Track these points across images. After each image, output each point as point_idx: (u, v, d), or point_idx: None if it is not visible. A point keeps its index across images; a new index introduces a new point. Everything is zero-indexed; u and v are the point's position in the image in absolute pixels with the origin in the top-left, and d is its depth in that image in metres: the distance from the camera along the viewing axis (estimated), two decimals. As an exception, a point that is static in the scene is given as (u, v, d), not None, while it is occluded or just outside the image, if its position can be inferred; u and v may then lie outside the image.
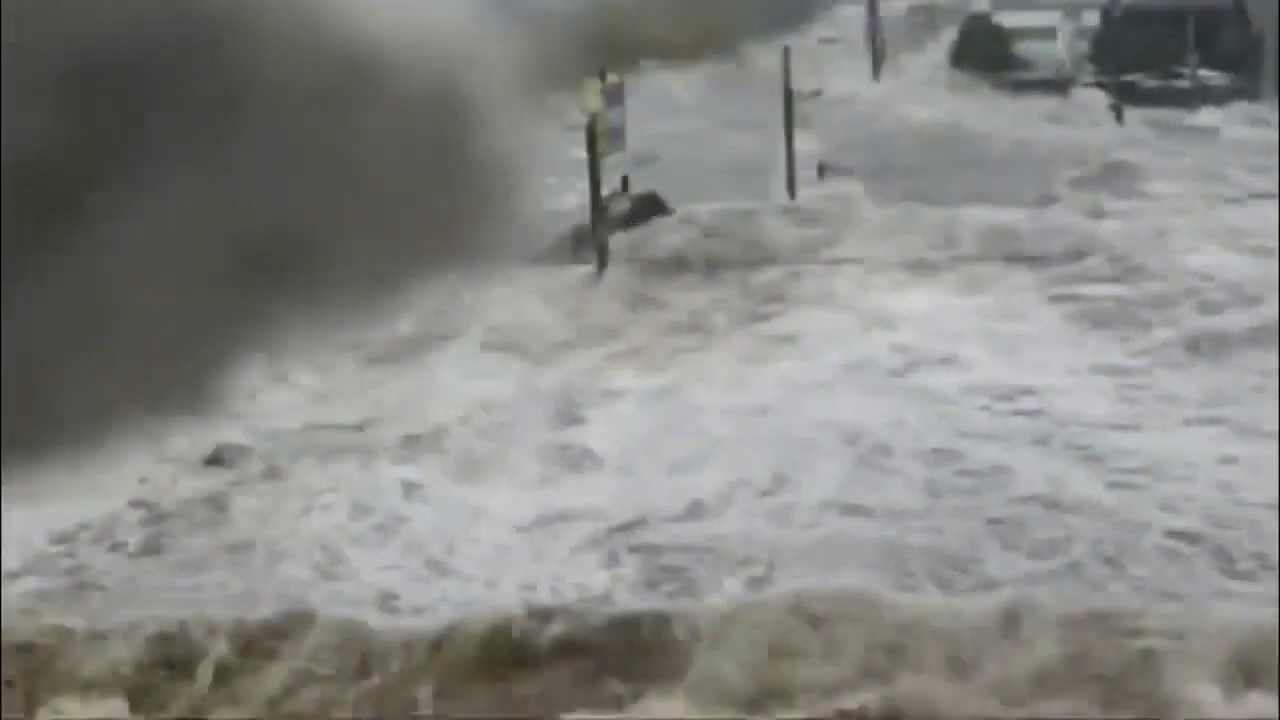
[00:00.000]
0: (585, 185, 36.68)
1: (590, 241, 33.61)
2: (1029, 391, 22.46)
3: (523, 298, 28.99)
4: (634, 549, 18.04)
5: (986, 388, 22.76)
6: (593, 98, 36.13)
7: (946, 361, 24.02)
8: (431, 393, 23.76)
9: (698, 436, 21.41)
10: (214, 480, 20.67)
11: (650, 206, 36.12)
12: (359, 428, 22.43)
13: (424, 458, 21.18)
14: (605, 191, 34.57)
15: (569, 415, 22.65)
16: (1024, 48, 57.13)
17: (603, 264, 32.88)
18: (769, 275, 30.30)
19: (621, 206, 35.93)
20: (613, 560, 17.83)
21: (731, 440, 21.15)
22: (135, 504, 19.86)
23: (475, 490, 20.03)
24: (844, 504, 18.86)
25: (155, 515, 19.63)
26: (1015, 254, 30.19)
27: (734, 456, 20.49)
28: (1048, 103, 50.40)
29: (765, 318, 27.56)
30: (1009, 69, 55.56)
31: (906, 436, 20.85)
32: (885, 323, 26.31)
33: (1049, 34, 57.74)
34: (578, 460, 20.96)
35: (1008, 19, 59.07)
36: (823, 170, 39.77)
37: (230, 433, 22.01)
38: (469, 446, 21.53)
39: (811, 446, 20.57)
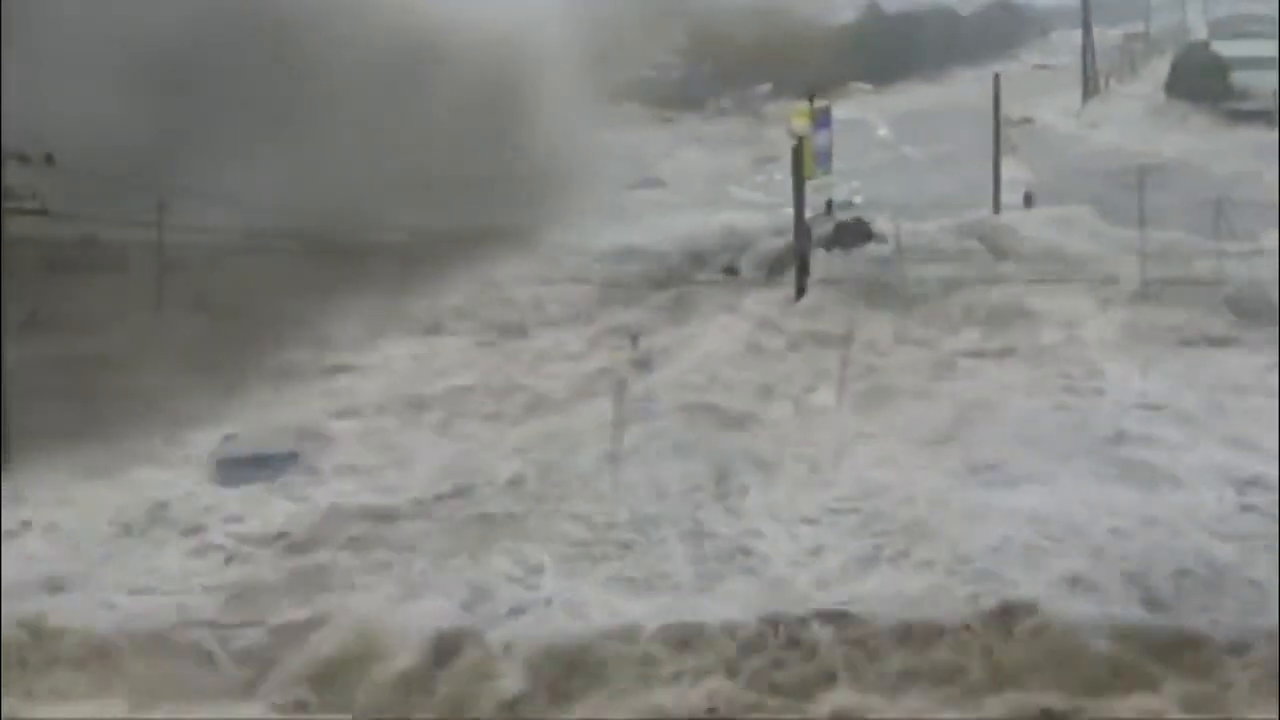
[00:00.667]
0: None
1: (792, 264, 31.80)
2: (1264, 483, 18.42)
3: (711, 334, 26.50)
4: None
5: (1214, 472, 19.03)
6: (800, 121, 34.20)
7: (1164, 439, 20.27)
8: (592, 451, 20.61)
9: (873, 529, 17.91)
10: (311, 555, 17.96)
11: (855, 230, 34.20)
12: (511, 483, 19.72)
13: (559, 533, 18.10)
14: (809, 214, 32.79)
15: (731, 487, 19.35)
16: (1241, 77, 53.45)
17: (801, 289, 30.93)
18: (969, 309, 27.61)
19: (825, 229, 34.08)
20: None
21: (910, 535, 17.61)
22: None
23: (600, 586, 16.82)
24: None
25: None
26: (1250, 307, 25.94)
27: (913, 558, 17.04)
28: (1264, 135, 46.74)
29: (961, 373, 24.11)
30: (1225, 99, 51.98)
31: (1121, 538, 17.19)
32: (1092, 388, 22.74)
33: (1268, 64, 53.93)
34: (727, 556, 17.44)
35: (1226, 48, 55.40)
36: (1030, 199, 37.26)
37: (354, 495, 19.56)
38: (610, 524, 18.38)
39: (1005, 546, 17.03)
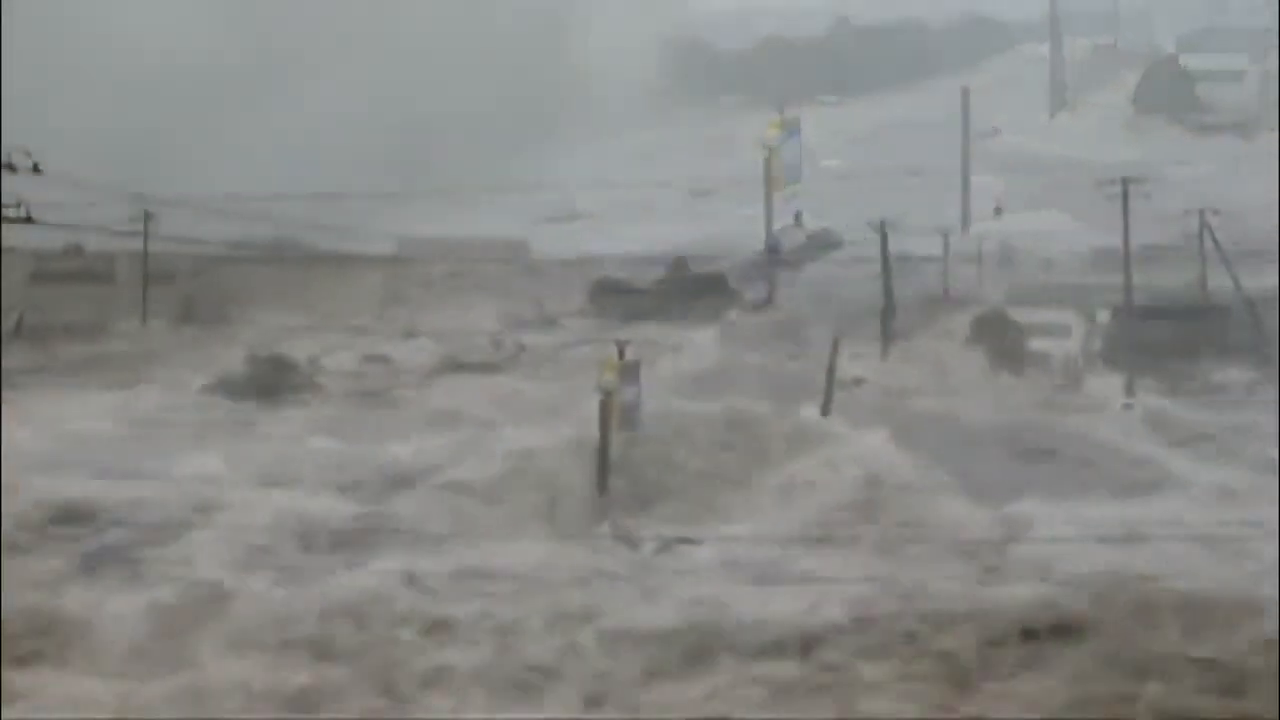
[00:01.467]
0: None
1: (760, 275, 32.03)
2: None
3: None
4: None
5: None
6: (771, 132, 34.51)
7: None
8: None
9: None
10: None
11: (824, 241, 34.48)
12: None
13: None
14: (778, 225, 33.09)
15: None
16: (1207, 90, 53.99)
17: (770, 298, 31.16)
18: (941, 324, 27.67)
19: (795, 240, 34.32)
20: None
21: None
22: None
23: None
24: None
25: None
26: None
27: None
28: (1232, 146, 47.17)
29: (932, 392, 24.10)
30: (1193, 112, 52.53)
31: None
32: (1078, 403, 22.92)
33: (1235, 77, 54.52)
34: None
35: (1194, 61, 55.93)
36: (999, 210, 37.65)
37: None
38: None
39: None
